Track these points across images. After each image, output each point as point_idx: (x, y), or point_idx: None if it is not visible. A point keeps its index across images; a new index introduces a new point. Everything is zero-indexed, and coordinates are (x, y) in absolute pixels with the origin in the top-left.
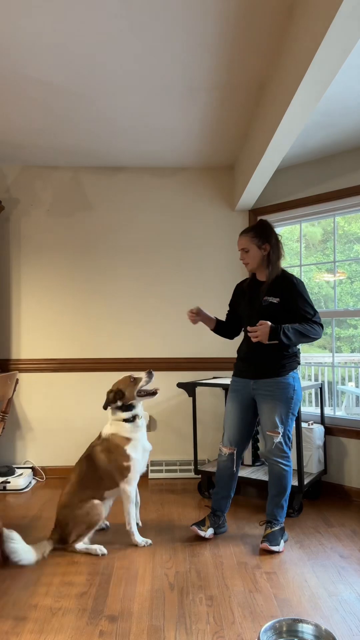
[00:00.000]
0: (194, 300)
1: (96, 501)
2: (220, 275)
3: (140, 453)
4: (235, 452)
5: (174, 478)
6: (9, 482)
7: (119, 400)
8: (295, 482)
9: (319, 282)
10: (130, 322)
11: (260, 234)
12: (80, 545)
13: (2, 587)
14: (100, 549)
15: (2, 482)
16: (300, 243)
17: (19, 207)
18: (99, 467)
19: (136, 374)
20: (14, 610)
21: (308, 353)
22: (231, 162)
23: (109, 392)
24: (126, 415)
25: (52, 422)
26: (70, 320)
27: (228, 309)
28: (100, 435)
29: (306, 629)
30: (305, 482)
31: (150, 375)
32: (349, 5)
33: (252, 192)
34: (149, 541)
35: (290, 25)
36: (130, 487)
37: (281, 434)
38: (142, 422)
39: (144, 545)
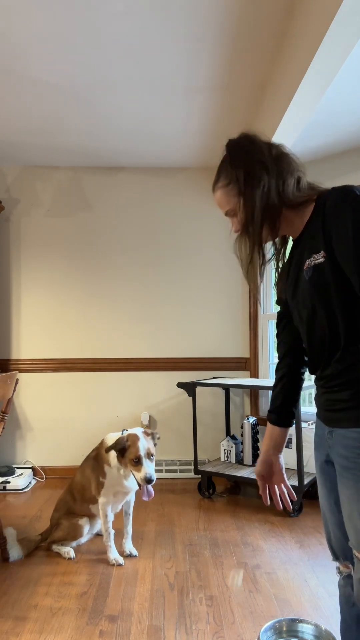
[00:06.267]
0: (193, 300)
1: (81, 521)
2: (220, 275)
3: (115, 479)
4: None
5: (174, 478)
6: (9, 482)
7: (117, 452)
8: (295, 482)
9: None
10: (130, 322)
11: (235, 170)
12: (54, 547)
13: (2, 587)
14: (68, 552)
15: (2, 482)
16: None
17: (19, 207)
18: (84, 475)
19: (142, 466)
20: (14, 610)
21: None
22: None
23: (118, 442)
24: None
25: (52, 422)
26: (70, 320)
27: (278, 315)
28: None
29: (306, 629)
30: (305, 482)
31: (146, 483)
32: (349, 5)
33: None
34: (120, 561)
35: (291, 26)
36: (102, 500)
37: None
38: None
39: (113, 564)
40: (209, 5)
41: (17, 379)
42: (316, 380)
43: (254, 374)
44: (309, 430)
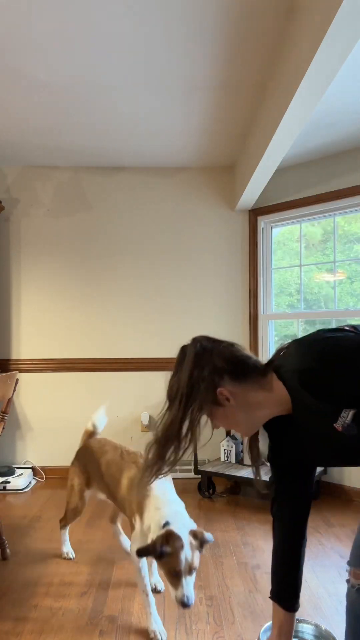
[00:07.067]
0: (193, 300)
1: (86, 495)
2: (219, 275)
3: (138, 534)
4: None
5: (174, 478)
6: (9, 482)
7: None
8: None
9: (319, 282)
10: (130, 322)
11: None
12: (63, 535)
13: (2, 587)
14: (68, 553)
15: (2, 482)
16: (300, 243)
17: (19, 207)
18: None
19: (180, 585)
20: (14, 610)
21: None
22: (231, 162)
23: (153, 546)
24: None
25: (52, 422)
26: (70, 320)
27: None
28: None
29: (306, 629)
30: None
31: (181, 606)
32: (349, 5)
33: (252, 192)
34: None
35: (291, 25)
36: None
37: None
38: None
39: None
40: (209, 5)
41: (17, 379)
42: None
43: None
44: None
